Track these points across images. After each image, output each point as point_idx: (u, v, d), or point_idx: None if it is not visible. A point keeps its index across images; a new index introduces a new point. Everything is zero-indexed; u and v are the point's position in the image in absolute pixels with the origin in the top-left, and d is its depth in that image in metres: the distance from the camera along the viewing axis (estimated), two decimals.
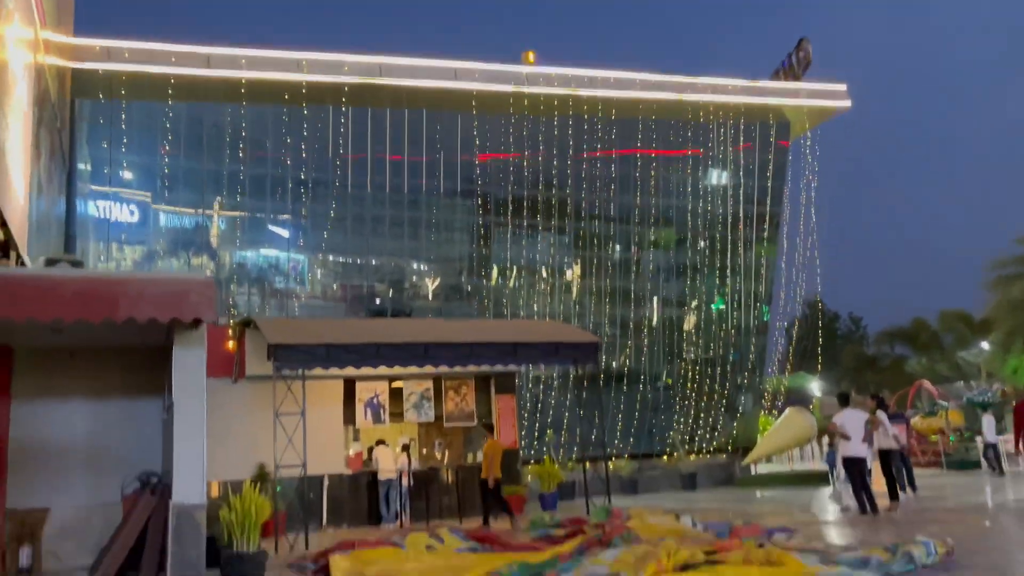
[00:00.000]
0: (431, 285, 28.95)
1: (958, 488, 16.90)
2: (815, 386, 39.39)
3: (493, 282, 27.37)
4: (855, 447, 11.64)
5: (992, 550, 7.57)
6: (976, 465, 23.17)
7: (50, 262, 8.24)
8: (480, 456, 14.66)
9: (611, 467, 16.47)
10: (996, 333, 28.34)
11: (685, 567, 6.92)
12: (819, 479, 21.83)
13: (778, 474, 23.52)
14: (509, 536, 10.12)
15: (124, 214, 25.87)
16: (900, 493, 12.42)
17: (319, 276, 29.05)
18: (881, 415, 12.20)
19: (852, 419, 11.79)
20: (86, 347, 9.56)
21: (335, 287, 29.14)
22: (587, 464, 15.11)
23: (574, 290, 27.46)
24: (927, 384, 28.84)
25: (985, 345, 32.07)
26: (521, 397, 21.27)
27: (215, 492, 12.39)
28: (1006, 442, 23.13)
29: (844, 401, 12.17)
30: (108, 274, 13.66)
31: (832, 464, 25.51)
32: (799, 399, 30.68)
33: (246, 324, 13.93)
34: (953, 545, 7.13)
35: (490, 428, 14.95)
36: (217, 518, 7.89)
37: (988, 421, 22.85)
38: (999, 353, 26.02)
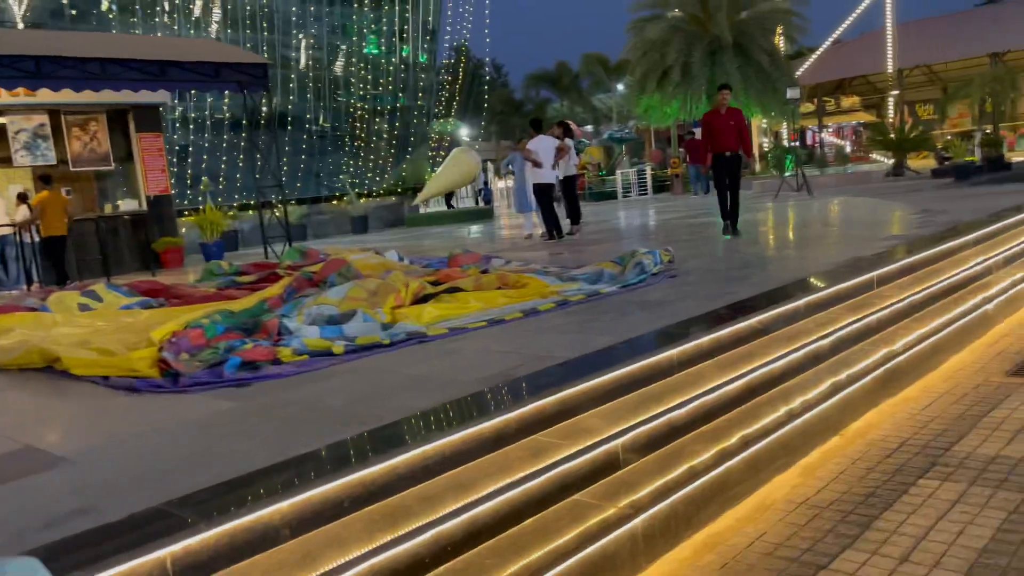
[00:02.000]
0: (21, 6, 22.77)
1: (608, 213, 18.45)
2: (464, 132, 40.44)
3: (104, 7, 22.19)
4: (546, 174, 11.59)
5: (697, 256, 7.91)
6: (613, 196, 25.72)
7: None
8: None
9: (278, 213, 15.01)
10: (631, 76, 30.54)
11: (424, 299, 6.15)
12: (484, 215, 22.62)
13: (445, 213, 23.90)
14: (185, 287, 8.54)
15: None
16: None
17: None
18: (569, 142, 12.22)
19: (544, 145, 11.63)
20: None
21: None
22: (261, 209, 13.44)
23: (212, 21, 23.40)
24: (572, 125, 30.77)
25: (620, 87, 34.79)
26: (169, 141, 18.24)
27: None
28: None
29: (537, 127, 11.91)
30: None
31: (488, 199, 26.63)
32: (457, 143, 31.03)
33: None
34: (673, 253, 7.25)
35: (46, 179, 12.18)
36: None
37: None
38: (634, 94, 28.19)
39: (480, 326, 5.29)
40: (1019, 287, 6.88)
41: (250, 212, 19.77)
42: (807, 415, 4.17)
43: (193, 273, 11.20)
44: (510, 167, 13.16)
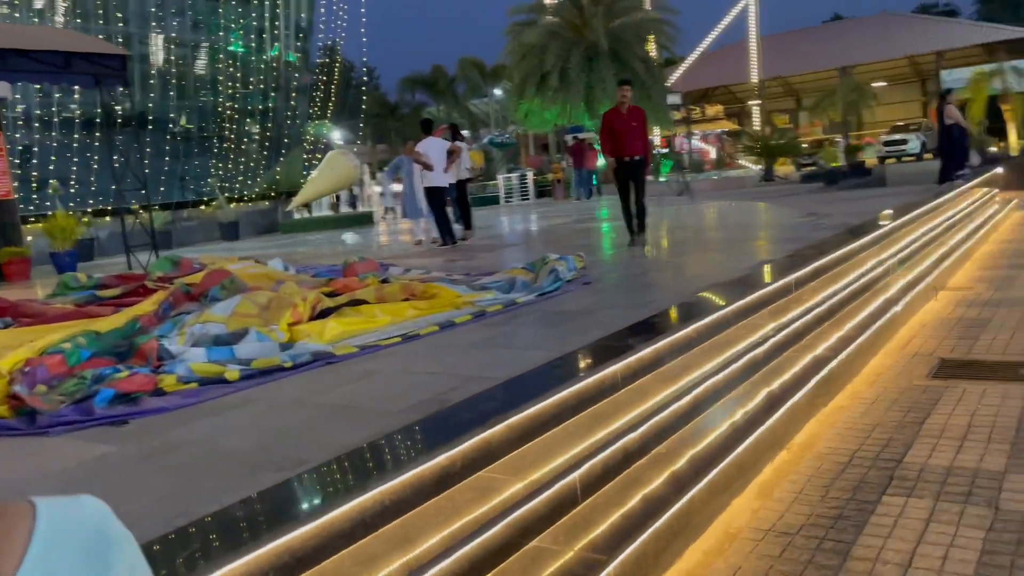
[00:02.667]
0: None
1: (494, 218, 18.16)
2: (338, 135, 39.31)
3: None
4: (438, 177, 11.11)
5: (603, 262, 7.67)
6: (495, 201, 25.49)
7: None
8: None
9: (141, 219, 13.80)
10: (508, 80, 30.49)
11: (323, 313, 5.56)
12: (364, 220, 21.83)
13: (324, 218, 22.90)
14: (36, 304, 7.50)
15: None
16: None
17: None
18: (461, 145, 11.79)
19: (434, 147, 11.15)
20: None
21: None
22: (123, 214, 12.24)
23: (59, 12, 21.34)
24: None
25: (498, 92, 34.67)
26: (10, 140, 16.44)
27: None
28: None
29: (427, 128, 11.41)
30: None
31: (352, 205, 25.69)
32: (332, 146, 29.94)
33: None
34: (586, 259, 6.96)
35: None
36: None
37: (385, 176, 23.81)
38: (513, 98, 28.11)
39: (393, 342, 4.78)
40: (917, 288, 7.03)
41: (107, 218, 18.19)
42: (758, 431, 3.93)
43: (43, 287, 10.01)
44: (398, 173, 12.60)
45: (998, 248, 10.03)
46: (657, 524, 3.03)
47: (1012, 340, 5.74)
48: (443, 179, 11.08)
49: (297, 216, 22.42)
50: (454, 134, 12.12)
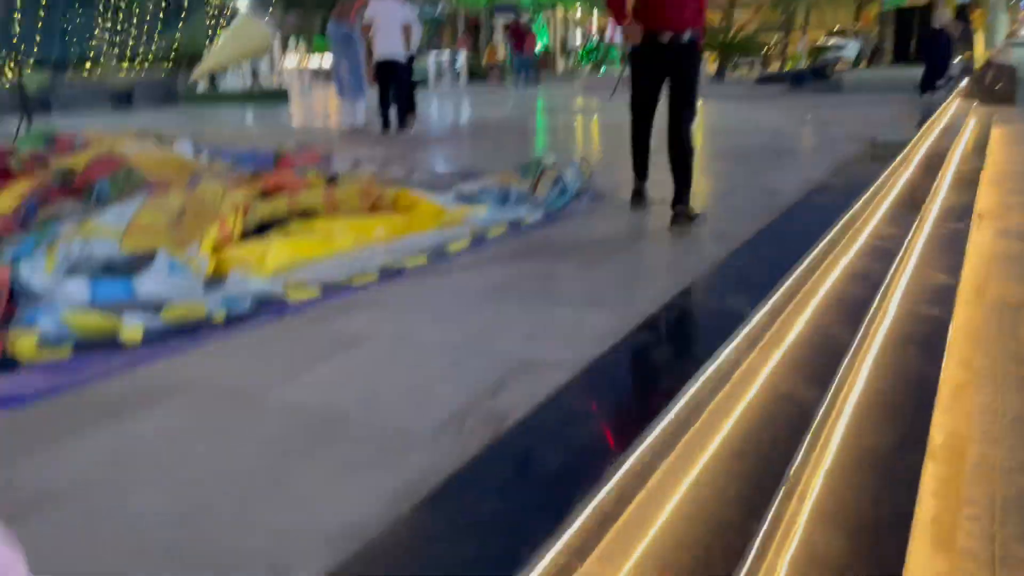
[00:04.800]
0: None
1: (427, 103, 16.34)
2: (244, 1, 35.57)
3: None
4: (392, 46, 9.32)
5: (602, 164, 6.28)
6: (423, 84, 23.34)
7: None
8: None
9: (8, 77, 11.44)
10: None
11: (261, 227, 4.00)
12: (279, 97, 19.51)
13: (233, 92, 20.32)
14: None
15: None
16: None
17: None
18: (412, 15, 9.88)
19: (385, 11, 9.28)
20: None
21: None
22: None
23: None
24: None
25: None
26: None
27: None
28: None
29: None
30: None
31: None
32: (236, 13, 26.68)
33: None
34: (590, 166, 5.56)
35: None
36: None
37: None
38: None
39: (368, 280, 3.33)
40: (972, 216, 5.98)
41: None
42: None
43: None
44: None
45: (1001, 169, 9.14)
46: None
47: None
48: (397, 51, 9.29)
49: (203, 88, 19.80)
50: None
